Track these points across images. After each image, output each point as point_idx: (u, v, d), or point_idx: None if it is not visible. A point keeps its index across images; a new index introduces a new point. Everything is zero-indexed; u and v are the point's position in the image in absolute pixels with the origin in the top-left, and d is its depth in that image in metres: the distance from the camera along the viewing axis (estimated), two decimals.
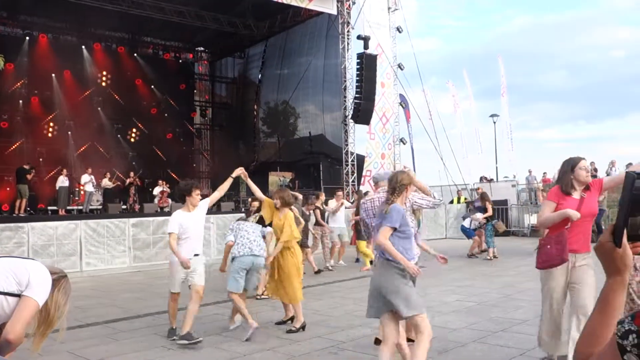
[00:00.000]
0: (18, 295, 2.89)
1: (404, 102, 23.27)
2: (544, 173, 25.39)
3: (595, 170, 22.83)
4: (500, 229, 14.47)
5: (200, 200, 6.80)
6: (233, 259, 7.10)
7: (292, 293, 7.14)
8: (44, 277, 3.00)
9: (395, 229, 4.67)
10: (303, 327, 7.01)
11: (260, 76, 27.91)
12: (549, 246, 5.01)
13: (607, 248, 1.36)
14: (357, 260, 14.09)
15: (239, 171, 7.16)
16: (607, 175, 22.27)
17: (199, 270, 6.70)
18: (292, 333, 6.90)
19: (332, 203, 14.31)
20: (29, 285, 2.91)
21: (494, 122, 27.93)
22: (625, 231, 1.33)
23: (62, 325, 3.12)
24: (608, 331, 1.30)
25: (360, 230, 10.63)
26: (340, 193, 14.35)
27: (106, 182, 21.44)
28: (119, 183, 22.50)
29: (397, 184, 4.85)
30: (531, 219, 16.16)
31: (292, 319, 7.25)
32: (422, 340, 4.60)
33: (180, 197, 6.98)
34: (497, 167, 26.15)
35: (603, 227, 18.11)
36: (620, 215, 1.34)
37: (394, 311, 4.63)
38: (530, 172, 25.26)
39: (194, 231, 6.66)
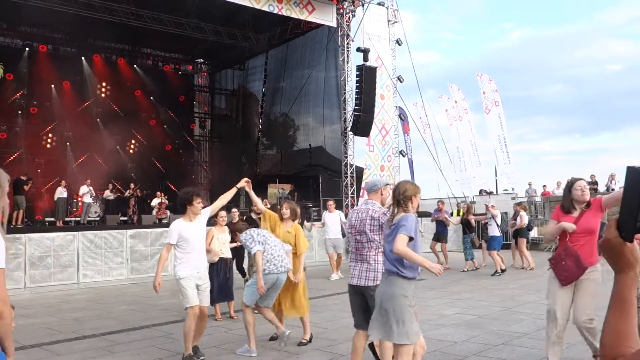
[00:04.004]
0: None
1: (402, 115, 23.28)
2: (544, 186, 25.42)
3: (596, 183, 22.81)
4: (476, 242, 14.76)
5: (202, 208, 6.34)
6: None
7: (301, 305, 6.94)
8: None
9: (411, 239, 4.31)
10: (311, 339, 6.95)
11: (263, 89, 27.90)
12: (563, 262, 5.03)
13: (616, 243, 1.35)
14: None
15: (244, 182, 6.73)
16: (607, 188, 22.25)
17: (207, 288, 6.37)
18: (303, 345, 6.80)
19: (326, 214, 14.34)
20: None
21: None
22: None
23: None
24: (631, 327, 1.32)
25: None
26: (331, 202, 14.27)
27: (108, 194, 21.44)
28: (119, 194, 22.47)
29: (400, 196, 4.50)
30: (532, 232, 16.08)
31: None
32: None
33: (181, 205, 6.31)
34: (496, 180, 26.08)
35: None
36: (625, 210, 1.31)
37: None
38: (530, 185, 25.32)
39: (197, 242, 6.18)
